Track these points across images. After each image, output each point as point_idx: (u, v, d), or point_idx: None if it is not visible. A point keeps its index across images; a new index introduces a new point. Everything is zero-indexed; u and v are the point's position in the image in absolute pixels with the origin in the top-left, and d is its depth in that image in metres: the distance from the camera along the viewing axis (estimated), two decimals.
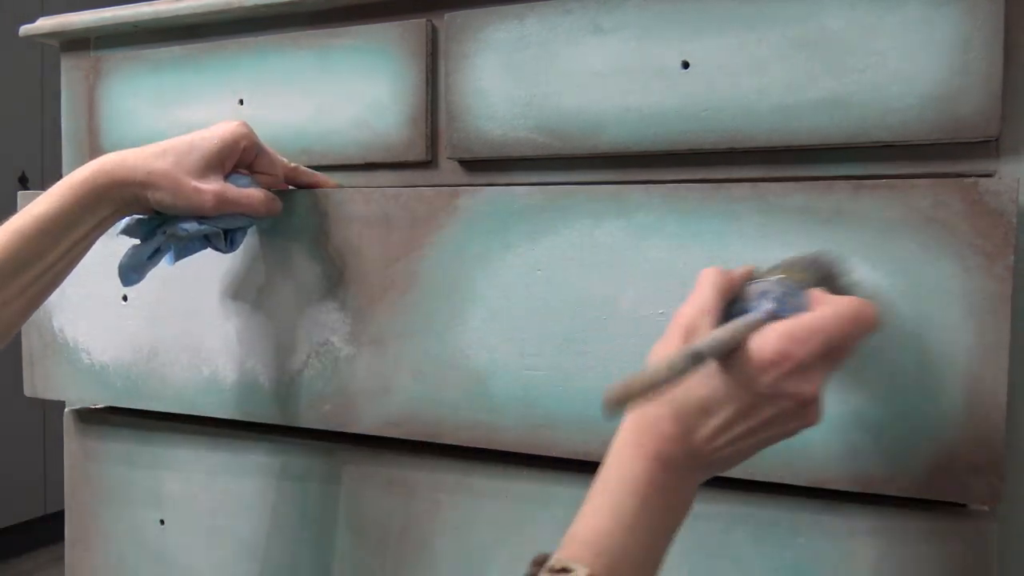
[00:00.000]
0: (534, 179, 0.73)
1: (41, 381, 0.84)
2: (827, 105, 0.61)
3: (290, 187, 0.73)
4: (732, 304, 0.49)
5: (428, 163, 0.77)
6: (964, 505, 0.56)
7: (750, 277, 0.51)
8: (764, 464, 0.57)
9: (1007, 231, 0.51)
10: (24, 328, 0.85)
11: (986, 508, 0.56)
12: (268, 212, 0.68)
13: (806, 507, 0.58)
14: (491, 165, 0.74)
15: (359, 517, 0.73)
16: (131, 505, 0.83)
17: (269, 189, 0.69)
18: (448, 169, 0.76)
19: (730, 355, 0.46)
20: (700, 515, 0.61)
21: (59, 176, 0.66)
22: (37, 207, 0.61)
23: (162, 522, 0.82)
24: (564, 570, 0.44)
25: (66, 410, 0.88)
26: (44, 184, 2.52)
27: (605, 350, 0.61)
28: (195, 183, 0.63)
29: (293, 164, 0.73)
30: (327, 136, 0.79)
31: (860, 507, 0.57)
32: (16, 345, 0.99)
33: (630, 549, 0.45)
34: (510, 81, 0.71)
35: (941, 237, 0.53)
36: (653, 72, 0.66)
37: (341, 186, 0.74)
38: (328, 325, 0.70)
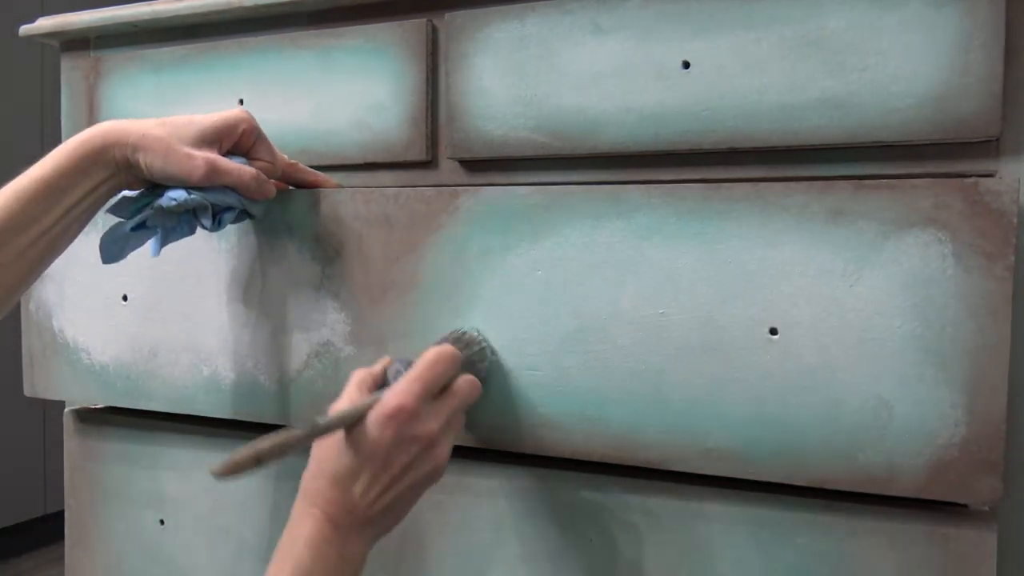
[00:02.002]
0: (534, 179, 0.73)
1: (41, 381, 0.84)
2: (827, 105, 0.61)
3: (290, 187, 0.73)
4: (381, 388, 0.58)
5: (428, 163, 0.77)
6: (964, 505, 0.56)
7: (388, 364, 0.60)
8: (764, 464, 0.57)
9: (1007, 231, 0.51)
10: (24, 328, 0.85)
11: (986, 508, 0.56)
12: (259, 191, 0.67)
13: (806, 507, 0.58)
14: (491, 165, 0.74)
15: None
16: (131, 505, 0.83)
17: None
18: (448, 169, 0.76)
19: (359, 423, 0.55)
20: (700, 515, 0.61)
21: None
22: (35, 170, 0.63)
23: (162, 522, 0.82)
24: None
25: (66, 410, 0.88)
26: None
27: (605, 350, 0.61)
28: (187, 149, 0.64)
29: (293, 161, 0.72)
30: (327, 136, 0.79)
31: (860, 507, 0.57)
32: (16, 345, 0.98)
33: None
34: (510, 81, 0.71)
35: (941, 237, 0.53)
36: (653, 72, 0.66)
37: (341, 186, 0.74)
38: (328, 325, 0.70)
